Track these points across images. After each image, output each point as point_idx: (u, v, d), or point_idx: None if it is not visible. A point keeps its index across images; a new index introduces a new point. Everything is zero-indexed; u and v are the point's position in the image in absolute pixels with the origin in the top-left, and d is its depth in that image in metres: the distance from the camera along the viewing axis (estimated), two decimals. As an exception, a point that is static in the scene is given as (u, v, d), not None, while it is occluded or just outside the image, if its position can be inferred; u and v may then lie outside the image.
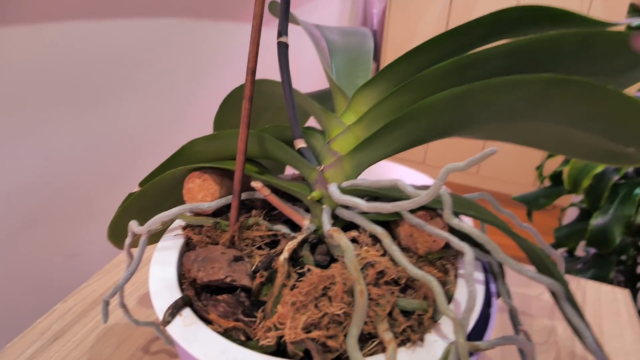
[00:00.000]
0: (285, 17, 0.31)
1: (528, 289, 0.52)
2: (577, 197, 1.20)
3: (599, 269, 0.94)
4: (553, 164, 1.50)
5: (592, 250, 1.01)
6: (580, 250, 1.14)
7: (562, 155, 1.11)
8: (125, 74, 0.61)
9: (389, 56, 2.10)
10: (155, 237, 0.34)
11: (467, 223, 0.25)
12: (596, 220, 0.90)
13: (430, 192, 0.23)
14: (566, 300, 0.24)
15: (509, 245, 1.58)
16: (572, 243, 1.02)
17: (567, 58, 0.26)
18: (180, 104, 0.73)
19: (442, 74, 0.26)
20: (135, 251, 0.30)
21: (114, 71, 0.59)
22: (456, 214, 0.28)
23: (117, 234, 0.35)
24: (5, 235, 0.50)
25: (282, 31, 0.31)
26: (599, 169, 0.93)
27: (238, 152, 0.28)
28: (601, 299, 0.51)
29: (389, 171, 0.86)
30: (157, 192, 0.34)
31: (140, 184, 0.34)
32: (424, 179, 0.90)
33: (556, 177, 1.13)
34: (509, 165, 2.15)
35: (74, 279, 0.57)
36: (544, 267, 0.26)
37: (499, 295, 0.29)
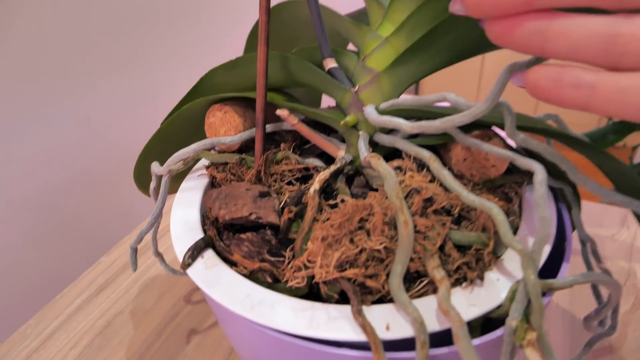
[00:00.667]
0: None
1: (600, 229, 0.46)
2: (653, 132, 1.08)
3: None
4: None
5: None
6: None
7: None
8: (156, 30, 0.58)
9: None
10: (177, 185, 0.32)
11: (532, 139, 0.20)
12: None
13: (489, 99, 0.19)
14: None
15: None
16: (646, 181, 0.92)
17: None
18: (212, 58, 0.70)
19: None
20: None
21: (144, 28, 0.56)
22: (519, 129, 0.23)
23: (142, 180, 0.33)
24: (54, 194, 0.50)
25: None
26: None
27: (258, 74, 0.25)
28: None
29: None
30: (179, 130, 0.31)
31: (162, 123, 0.32)
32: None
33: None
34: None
35: (124, 232, 0.57)
36: (633, 189, 0.21)
37: (574, 228, 0.24)
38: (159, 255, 0.31)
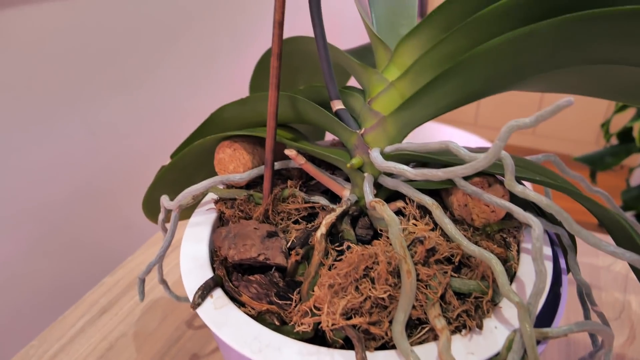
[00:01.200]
0: (316, -39, 0.27)
1: (596, 259, 0.47)
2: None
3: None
4: (621, 120, 1.37)
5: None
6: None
7: (634, 108, 1.01)
8: (162, 46, 0.59)
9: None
10: (188, 212, 0.33)
11: (531, 190, 0.21)
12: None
13: (490, 154, 0.20)
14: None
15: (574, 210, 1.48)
16: (642, 206, 0.93)
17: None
18: (221, 71, 0.71)
19: (502, 13, 0.22)
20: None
21: (152, 43, 0.58)
22: (518, 180, 0.24)
23: (151, 208, 0.34)
24: (56, 210, 0.50)
25: (313, -22, 0.27)
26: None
27: (268, 116, 0.26)
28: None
29: (435, 134, 0.81)
30: (189, 164, 0.32)
31: (172, 156, 0.33)
32: (476, 141, 0.85)
33: (625, 134, 1.03)
34: (569, 123, 2.01)
35: (128, 249, 0.58)
36: (626, 238, 0.22)
37: (569, 271, 0.25)
38: (164, 282, 0.32)
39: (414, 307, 0.19)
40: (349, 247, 0.22)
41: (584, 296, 0.26)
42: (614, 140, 1.07)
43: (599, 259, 0.47)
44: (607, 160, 1.01)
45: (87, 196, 0.54)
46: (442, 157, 0.25)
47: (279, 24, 0.24)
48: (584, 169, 1.58)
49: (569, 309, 0.41)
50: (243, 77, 0.72)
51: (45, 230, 0.50)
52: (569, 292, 0.42)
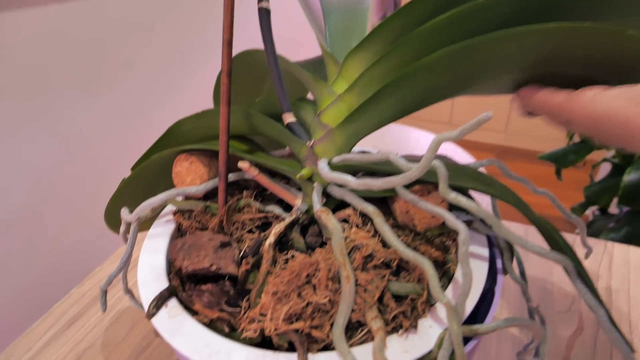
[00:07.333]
0: (264, -20, 0.29)
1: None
2: (609, 152, 1.14)
3: (632, 227, 0.89)
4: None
5: (626, 208, 0.96)
6: (614, 208, 1.09)
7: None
8: (130, 55, 0.60)
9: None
10: (149, 223, 0.33)
11: (463, 196, 0.22)
12: (629, 176, 0.85)
13: (421, 166, 0.21)
14: (577, 277, 0.22)
15: (537, 205, 1.53)
16: (604, 200, 0.97)
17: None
18: (189, 81, 0.72)
19: (440, 29, 0.24)
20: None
21: (119, 53, 0.58)
22: (458, 188, 0.25)
23: (113, 220, 0.35)
24: (24, 219, 0.50)
25: (262, -4, 0.28)
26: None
27: (220, 131, 0.27)
28: (630, 262, 0.48)
29: (403, 136, 0.83)
30: (148, 176, 0.33)
31: (132, 168, 0.33)
32: (447, 146, 0.87)
33: (587, 132, 1.06)
34: (540, 120, 2.06)
35: (100, 259, 0.58)
36: (553, 241, 0.24)
37: (505, 272, 0.27)
38: (129, 292, 0.33)
39: (353, 310, 0.21)
40: (293, 256, 0.23)
41: (523, 293, 0.28)
42: (577, 138, 1.11)
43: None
44: (570, 157, 1.05)
45: (56, 205, 0.54)
46: (386, 167, 0.26)
47: (228, 43, 0.25)
48: (551, 165, 1.62)
49: (519, 306, 0.43)
50: (210, 87, 0.73)
51: (12, 241, 0.50)
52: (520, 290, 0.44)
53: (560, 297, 0.44)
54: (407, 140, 0.85)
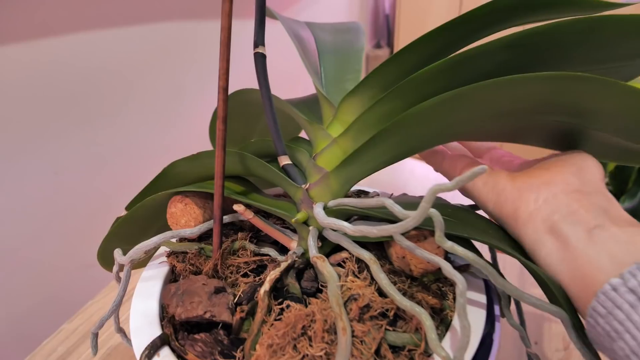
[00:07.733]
0: (261, 25, 0.29)
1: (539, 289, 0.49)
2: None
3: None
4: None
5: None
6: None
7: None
8: (126, 88, 0.60)
9: (402, 41, 2.05)
10: (143, 262, 0.33)
11: (459, 246, 0.22)
12: (624, 205, 0.86)
13: (417, 216, 0.21)
14: (572, 329, 0.22)
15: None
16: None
17: (572, 47, 0.23)
18: (185, 113, 0.72)
19: (432, 76, 0.24)
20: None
21: (114, 83, 0.58)
22: (449, 236, 0.25)
23: (106, 259, 0.35)
24: (16, 251, 0.50)
25: (258, 41, 0.29)
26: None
27: (215, 175, 0.27)
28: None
29: (398, 165, 0.83)
30: (143, 217, 0.33)
31: (126, 208, 0.33)
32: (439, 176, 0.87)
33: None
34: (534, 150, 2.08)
35: (91, 291, 0.57)
36: (551, 292, 0.24)
37: (503, 316, 0.27)
38: (121, 331, 0.32)
39: (349, 362, 0.20)
40: (288, 306, 0.23)
41: (521, 339, 0.27)
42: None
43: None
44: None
45: (48, 237, 0.53)
46: (381, 212, 0.26)
47: (224, 90, 0.26)
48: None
49: (518, 349, 0.43)
50: (205, 121, 0.73)
51: (2, 274, 0.49)
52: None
53: (559, 334, 0.44)
54: (401, 170, 0.85)
